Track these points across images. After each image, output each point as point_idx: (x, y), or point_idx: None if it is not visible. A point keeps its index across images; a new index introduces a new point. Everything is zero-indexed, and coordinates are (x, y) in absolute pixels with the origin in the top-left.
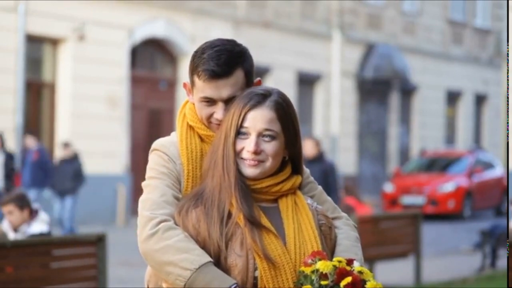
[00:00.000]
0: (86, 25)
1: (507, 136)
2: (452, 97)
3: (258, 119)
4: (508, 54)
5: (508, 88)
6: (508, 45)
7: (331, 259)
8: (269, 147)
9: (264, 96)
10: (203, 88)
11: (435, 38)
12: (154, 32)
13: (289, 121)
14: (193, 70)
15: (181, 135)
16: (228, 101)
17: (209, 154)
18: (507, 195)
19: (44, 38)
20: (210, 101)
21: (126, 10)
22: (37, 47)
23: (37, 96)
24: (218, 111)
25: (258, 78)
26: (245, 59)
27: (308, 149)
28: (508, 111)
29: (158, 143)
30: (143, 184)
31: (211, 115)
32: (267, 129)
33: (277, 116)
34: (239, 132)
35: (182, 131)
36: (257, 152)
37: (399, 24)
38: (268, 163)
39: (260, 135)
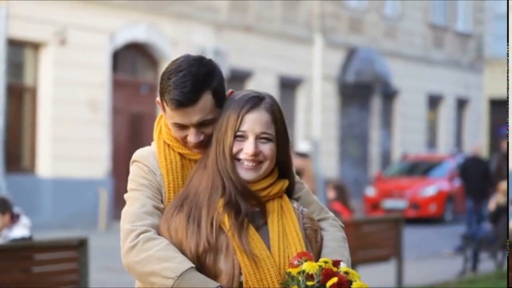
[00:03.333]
0: (67, 29)
1: (507, 136)
2: (434, 101)
3: (256, 122)
4: (508, 54)
5: (508, 88)
6: (508, 45)
7: (317, 261)
8: (266, 149)
9: (259, 99)
10: (172, 115)
11: (416, 42)
12: (136, 36)
13: (281, 125)
14: (162, 95)
15: (159, 147)
16: (199, 125)
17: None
18: (507, 195)
19: (26, 42)
20: (182, 126)
21: (107, 14)
22: (18, 51)
23: (18, 100)
24: (191, 135)
25: (230, 90)
26: (212, 80)
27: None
28: (508, 111)
29: (138, 154)
30: (125, 196)
31: (185, 137)
32: (264, 132)
33: (272, 119)
34: (236, 135)
35: (159, 143)
36: (256, 154)
37: (381, 28)
38: (265, 165)
39: (257, 137)
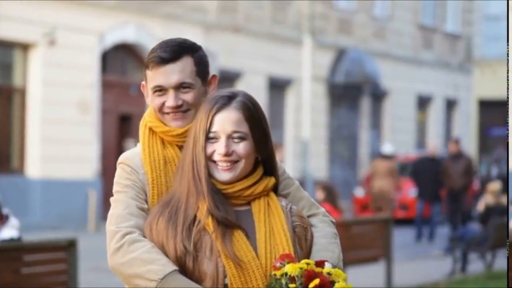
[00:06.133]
0: (56, 30)
1: (507, 135)
2: (423, 102)
3: (226, 121)
4: (508, 54)
5: (508, 89)
6: (508, 45)
7: (308, 259)
8: (240, 148)
9: (230, 98)
10: (153, 76)
11: (405, 43)
12: (125, 37)
13: (257, 121)
14: (145, 65)
15: (144, 144)
16: (178, 88)
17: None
18: (507, 195)
19: (15, 43)
20: (161, 90)
21: (96, 15)
22: (7, 52)
23: (7, 101)
24: (169, 99)
25: (214, 74)
26: (196, 51)
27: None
28: (508, 112)
29: (123, 156)
30: (111, 199)
31: (162, 105)
32: (235, 131)
33: (244, 117)
34: (208, 137)
35: (144, 140)
36: (228, 154)
37: (370, 29)
38: (241, 164)
39: (229, 137)
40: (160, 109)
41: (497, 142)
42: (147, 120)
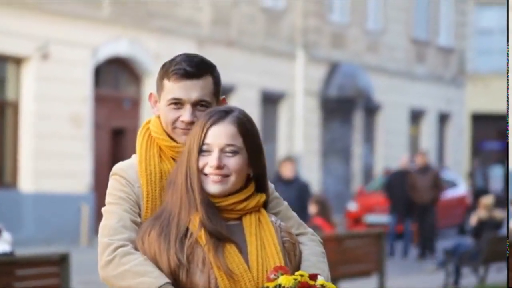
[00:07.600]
0: (49, 44)
1: (507, 135)
2: (416, 116)
3: (220, 134)
4: (508, 54)
5: (507, 89)
6: (508, 45)
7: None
8: (232, 162)
9: (226, 112)
10: (173, 89)
11: (398, 56)
12: (118, 51)
13: (251, 137)
14: (163, 75)
15: (141, 156)
16: (196, 105)
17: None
18: (507, 195)
19: (7, 57)
20: (178, 104)
21: (90, 29)
22: (0, 66)
23: (0, 115)
24: (185, 114)
25: (223, 96)
26: (214, 70)
27: (287, 170)
28: (508, 112)
29: (117, 167)
30: (103, 210)
31: (176, 119)
32: (228, 144)
33: (238, 131)
34: (202, 149)
35: (141, 152)
36: (220, 167)
37: (363, 43)
38: (232, 178)
39: (222, 150)
40: (173, 123)
41: (490, 156)
42: (153, 130)
